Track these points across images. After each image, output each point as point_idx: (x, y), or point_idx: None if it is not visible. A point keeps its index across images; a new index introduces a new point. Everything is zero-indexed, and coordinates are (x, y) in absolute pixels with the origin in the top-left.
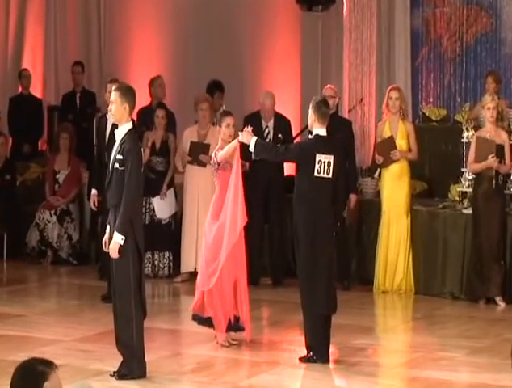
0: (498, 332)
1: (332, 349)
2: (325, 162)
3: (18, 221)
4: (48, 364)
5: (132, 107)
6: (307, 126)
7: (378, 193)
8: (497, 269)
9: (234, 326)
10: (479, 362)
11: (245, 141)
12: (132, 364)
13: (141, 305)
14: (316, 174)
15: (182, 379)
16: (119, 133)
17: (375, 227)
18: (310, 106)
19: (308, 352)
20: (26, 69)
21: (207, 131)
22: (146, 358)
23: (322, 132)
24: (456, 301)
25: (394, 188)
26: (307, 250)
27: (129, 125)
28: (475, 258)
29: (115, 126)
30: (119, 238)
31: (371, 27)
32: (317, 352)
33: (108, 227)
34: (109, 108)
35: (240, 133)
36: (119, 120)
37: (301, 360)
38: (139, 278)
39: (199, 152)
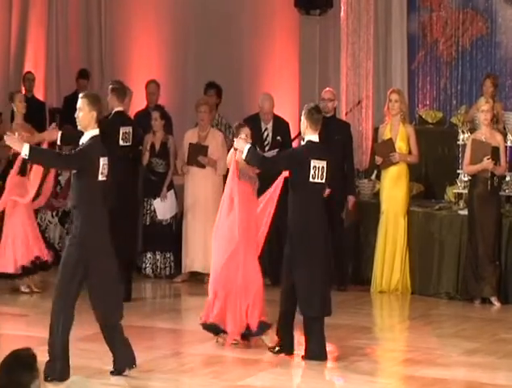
0: (493, 332)
1: (330, 348)
2: (319, 168)
3: None
4: (29, 349)
5: (98, 115)
6: None
7: (375, 195)
8: (492, 270)
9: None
10: (474, 361)
11: (239, 148)
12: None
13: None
14: (311, 179)
15: (182, 378)
16: (83, 140)
17: (373, 228)
18: (302, 113)
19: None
20: (30, 72)
21: (207, 133)
22: (147, 357)
23: (315, 138)
24: (452, 301)
25: (393, 189)
26: (302, 255)
27: (94, 132)
28: (470, 258)
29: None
30: None
31: (368, 30)
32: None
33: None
34: (76, 115)
35: (235, 140)
36: (86, 127)
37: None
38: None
39: (198, 154)
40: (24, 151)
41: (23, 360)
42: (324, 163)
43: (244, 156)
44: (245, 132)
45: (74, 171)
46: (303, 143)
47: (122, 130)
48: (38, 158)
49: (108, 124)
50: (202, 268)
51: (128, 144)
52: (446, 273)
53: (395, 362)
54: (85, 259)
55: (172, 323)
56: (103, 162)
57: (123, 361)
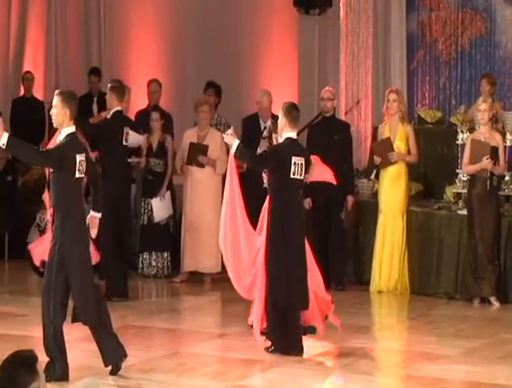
0: (493, 331)
1: (329, 348)
2: (298, 164)
3: (19, 221)
4: (31, 350)
5: (72, 112)
6: (304, 128)
7: (374, 194)
8: (491, 269)
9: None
10: (473, 361)
11: (228, 143)
12: None
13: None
14: (292, 176)
15: (181, 378)
16: (59, 138)
17: (372, 228)
18: (280, 110)
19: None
20: (29, 72)
21: (207, 133)
22: (146, 357)
23: (293, 135)
24: (451, 300)
25: (391, 189)
26: (282, 251)
27: (70, 129)
28: (469, 258)
29: None
30: None
31: (367, 30)
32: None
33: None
34: (50, 112)
35: (224, 135)
36: (60, 124)
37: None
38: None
39: (198, 153)
40: (2, 141)
41: (23, 360)
42: (302, 160)
43: (233, 152)
44: None
45: (51, 170)
46: (281, 140)
47: (125, 130)
48: (16, 149)
49: (109, 124)
50: (201, 268)
51: (127, 144)
52: (445, 273)
53: (394, 362)
54: (64, 257)
55: (170, 323)
56: (80, 158)
57: (114, 355)
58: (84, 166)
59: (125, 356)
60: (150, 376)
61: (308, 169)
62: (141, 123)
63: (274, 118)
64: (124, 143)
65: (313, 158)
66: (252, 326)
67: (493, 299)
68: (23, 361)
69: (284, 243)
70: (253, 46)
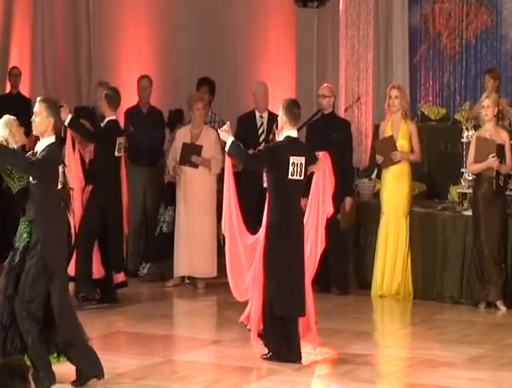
0: (499, 337)
1: (328, 355)
2: (297, 164)
3: (7, 221)
4: (21, 359)
5: (56, 122)
6: (302, 125)
7: (375, 195)
8: (497, 273)
9: None
10: (479, 368)
11: (223, 139)
12: None
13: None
14: (290, 176)
15: (174, 386)
16: (40, 146)
17: (373, 229)
18: (280, 107)
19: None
20: (16, 67)
21: (201, 130)
22: (139, 364)
23: (293, 133)
24: (456, 305)
25: (394, 189)
26: (281, 253)
27: (51, 139)
28: (475, 261)
29: None
30: None
31: (368, 23)
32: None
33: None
34: (32, 119)
35: (219, 131)
36: (42, 133)
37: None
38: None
39: (192, 153)
40: None
41: (16, 369)
42: (302, 159)
43: (226, 149)
44: None
45: (33, 182)
46: (281, 138)
47: (118, 141)
48: (4, 154)
49: (101, 133)
50: (194, 272)
51: (121, 154)
52: (449, 276)
53: (396, 369)
54: (43, 270)
55: (163, 329)
56: (61, 170)
57: (89, 371)
58: (63, 177)
59: (102, 375)
60: (143, 384)
61: (312, 167)
62: (131, 120)
63: (275, 118)
64: (116, 154)
65: (323, 154)
66: (245, 325)
67: (499, 303)
68: (16, 371)
69: (282, 248)
70: (249, 40)
